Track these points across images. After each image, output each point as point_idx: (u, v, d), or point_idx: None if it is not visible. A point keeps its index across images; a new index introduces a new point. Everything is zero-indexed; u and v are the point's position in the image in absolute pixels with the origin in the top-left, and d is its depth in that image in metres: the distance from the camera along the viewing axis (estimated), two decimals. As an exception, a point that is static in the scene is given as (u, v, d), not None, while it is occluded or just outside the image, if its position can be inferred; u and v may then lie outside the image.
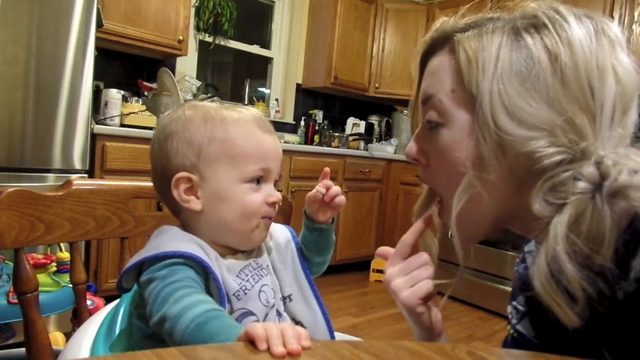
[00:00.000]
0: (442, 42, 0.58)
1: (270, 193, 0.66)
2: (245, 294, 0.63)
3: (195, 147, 0.64)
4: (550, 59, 0.50)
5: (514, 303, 0.66)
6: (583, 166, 0.48)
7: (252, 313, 0.62)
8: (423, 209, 0.66)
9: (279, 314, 0.69)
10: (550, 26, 0.52)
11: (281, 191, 0.70)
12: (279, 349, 0.40)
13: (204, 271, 0.59)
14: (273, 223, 0.72)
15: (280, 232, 0.77)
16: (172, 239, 0.61)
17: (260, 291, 0.65)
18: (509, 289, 0.69)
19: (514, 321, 0.65)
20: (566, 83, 0.50)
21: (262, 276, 0.67)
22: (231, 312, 0.61)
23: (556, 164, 0.49)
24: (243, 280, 0.64)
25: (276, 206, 0.68)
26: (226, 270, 0.63)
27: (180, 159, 0.64)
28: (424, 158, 0.61)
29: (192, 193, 0.64)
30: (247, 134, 0.65)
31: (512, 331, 0.65)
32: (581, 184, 0.47)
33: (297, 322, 0.71)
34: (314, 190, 0.74)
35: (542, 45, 0.51)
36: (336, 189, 0.73)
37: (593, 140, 0.49)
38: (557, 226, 0.48)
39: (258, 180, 0.65)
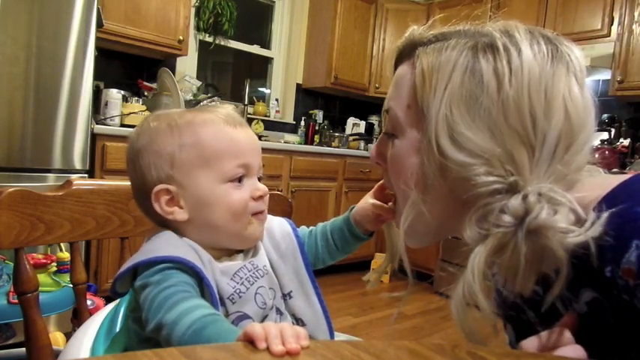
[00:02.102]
0: (408, 52, 0.59)
1: (255, 187, 0.65)
2: (240, 297, 0.61)
3: (167, 157, 0.62)
4: (497, 87, 0.50)
5: (506, 334, 0.67)
6: (511, 199, 0.48)
7: (247, 317, 0.61)
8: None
9: (280, 313, 0.68)
10: (502, 52, 0.51)
11: (281, 191, 0.69)
12: (278, 347, 0.40)
13: (197, 276, 0.58)
14: (270, 216, 0.71)
15: (277, 226, 0.74)
16: (165, 244, 0.61)
17: (256, 293, 0.63)
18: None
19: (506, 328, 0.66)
20: (507, 114, 0.50)
21: (258, 277, 0.65)
22: (227, 315, 0.60)
23: (490, 193, 0.49)
24: (237, 283, 0.62)
25: (265, 200, 0.66)
26: (220, 273, 0.61)
27: (154, 172, 0.62)
28: (384, 162, 0.62)
29: (175, 204, 0.62)
30: (217, 132, 0.63)
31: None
32: (506, 218, 0.48)
33: (298, 319, 0.70)
34: (379, 204, 0.72)
35: (493, 71, 0.51)
36: None
37: (528, 173, 0.49)
38: (476, 257, 0.48)
39: (240, 178, 0.63)
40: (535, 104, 0.49)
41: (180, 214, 0.62)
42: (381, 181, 0.72)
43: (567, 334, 0.48)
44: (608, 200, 0.47)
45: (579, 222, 0.46)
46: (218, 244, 0.65)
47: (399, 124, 0.58)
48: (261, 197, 0.65)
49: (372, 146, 0.65)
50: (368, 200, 0.73)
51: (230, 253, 0.66)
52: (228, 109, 0.67)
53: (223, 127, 0.63)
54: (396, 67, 0.62)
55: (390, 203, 0.71)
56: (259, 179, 0.67)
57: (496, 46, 0.52)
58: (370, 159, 0.66)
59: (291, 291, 0.70)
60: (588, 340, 0.48)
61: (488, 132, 0.50)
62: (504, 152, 0.49)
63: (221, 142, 0.62)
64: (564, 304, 0.51)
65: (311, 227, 0.78)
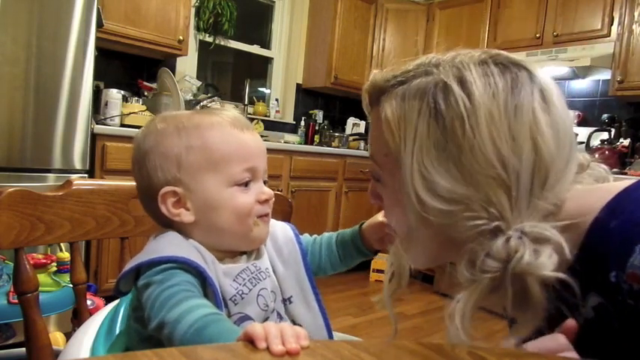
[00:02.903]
0: (375, 98, 0.58)
1: (260, 191, 0.65)
2: (242, 298, 0.62)
3: (174, 159, 0.62)
4: (460, 133, 0.49)
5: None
6: (496, 242, 0.48)
7: (249, 318, 0.62)
8: None
9: (280, 317, 0.68)
10: (457, 94, 0.50)
11: (281, 191, 0.69)
12: (278, 347, 0.40)
13: (200, 276, 0.58)
14: (273, 221, 0.71)
15: (281, 231, 0.74)
16: (169, 244, 0.61)
17: (258, 295, 0.64)
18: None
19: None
20: (475, 159, 0.49)
21: (260, 280, 0.65)
22: (229, 316, 0.61)
23: (475, 236, 0.49)
24: (240, 284, 0.62)
25: (270, 203, 0.66)
26: (223, 274, 0.62)
27: (161, 175, 0.63)
28: (380, 201, 0.62)
29: (181, 206, 0.63)
30: (225, 136, 0.63)
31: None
32: (490, 263, 0.47)
33: (297, 325, 0.70)
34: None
35: (453, 115, 0.49)
36: None
37: (509, 214, 0.48)
38: (459, 303, 0.48)
39: (246, 182, 0.64)
40: (500, 145, 0.48)
41: (186, 216, 0.63)
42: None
43: (561, 339, 0.48)
44: (610, 207, 0.47)
45: (563, 259, 0.46)
46: (223, 245, 0.65)
47: (381, 172, 0.58)
48: (266, 201, 0.65)
49: (370, 185, 0.65)
50: (378, 218, 0.73)
51: (233, 254, 0.66)
52: (235, 112, 0.67)
53: (231, 130, 0.63)
54: (371, 106, 0.61)
55: None
56: (265, 182, 0.67)
57: (451, 88, 0.50)
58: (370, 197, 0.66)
59: (291, 296, 0.70)
60: (595, 346, 0.48)
61: (460, 177, 0.49)
62: (483, 196, 0.49)
63: (229, 145, 0.63)
64: (570, 309, 0.50)
65: (315, 235, 0.79)
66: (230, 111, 0.67)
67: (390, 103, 0.54)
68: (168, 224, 0.65)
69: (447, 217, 0.50)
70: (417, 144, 0.51)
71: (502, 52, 0.54)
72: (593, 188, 0.52)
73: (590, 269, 0.46)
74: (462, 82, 0.50)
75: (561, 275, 0.45)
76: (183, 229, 0.64)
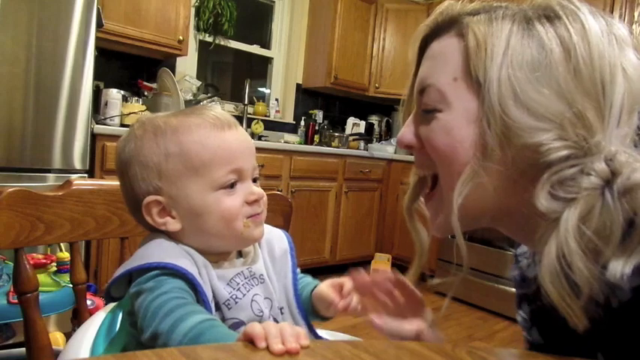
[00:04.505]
0: (448, 25, 0.56)
1: (249, 191, 0.62)
2: (236, 303, 0.60)
3: (154, 168, 0.60)
4: (563, 50, 0.49)
5: (521, 312, 0.65)
6: (593, 162, 0.47)
7: (243, 324, 0.60)
8: (412, 201, 0.64)
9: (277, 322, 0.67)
10: (564, 17, 0.50)
11: (281, 191, 0.68)
12: (278, 346, 0.40)
13: (191, 282, 0.57)
14: (271, 228, 0.70)
15: (277, 241, 0.72)
16: (159, 250, 0.59)
17: (252, 300, 0.62)
18: (509, 288, 0.69)
19: (524, 333, 0.64)
20: (579, 76, 0.49)
21: (254, 285, 0.64)
22: (223, 321, 0.59)
23: (561, 159, 0.48)
24: (233, 288, 0.61)
25: (261, 202, 0.64)
26: (217, 278, 0.60)
27: (143, 185, 0.61)
28: (419, 143, 0.58)
29: (167, 214, 0.61)
30: (204, 139, 0.60)
31: (527, 338, 0.64)
32: (593, 179, 0.46)
33: None
34: (328, 293, 0.68)
35: (554, 35, 0.50)
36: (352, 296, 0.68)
37: (602, 136, 0.48)
38: (568, 220, 0.46)
39: (232, 184, 0.61)
40: (603, 67, 0.49)
41: (172, 225, 0.61)
42: (341, 279, 0.69)
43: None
44: None
45: None
46: (215, 249, 0.63)
47: (444, 97, 0.54)
48: (256, 201, 0.63)
49: (402, 129, 0.60)
50: (324, 288, 0.70)
51: (228, 256, 0.65)
52: (217, 110, 0.64)
53: (210, 131, 0.60)
54: (422, 45, 0.59)
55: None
56: (255, 180, 0.65)
57: (554, 13, 0.51)
58: (400, 142, 0.60)
59: (282, 307, 0.69)
60: (628, 330, 0.47)
61: (555, 95, 0.49)
62: (576, 116, 0.48)
63: (209, 149, 0.60)
64: (603, 292, 0.48)
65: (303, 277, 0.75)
66: (212, 110, 0.64)
67: (477, 22, 0.53)
68: (156, 230, 0.63)
69: (534, 135, 0.49)
70: (508, 56, 0.50)
71: None
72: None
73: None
74: (571, 2, 0.51)
75: None
76: (172, 235, 0.63)
